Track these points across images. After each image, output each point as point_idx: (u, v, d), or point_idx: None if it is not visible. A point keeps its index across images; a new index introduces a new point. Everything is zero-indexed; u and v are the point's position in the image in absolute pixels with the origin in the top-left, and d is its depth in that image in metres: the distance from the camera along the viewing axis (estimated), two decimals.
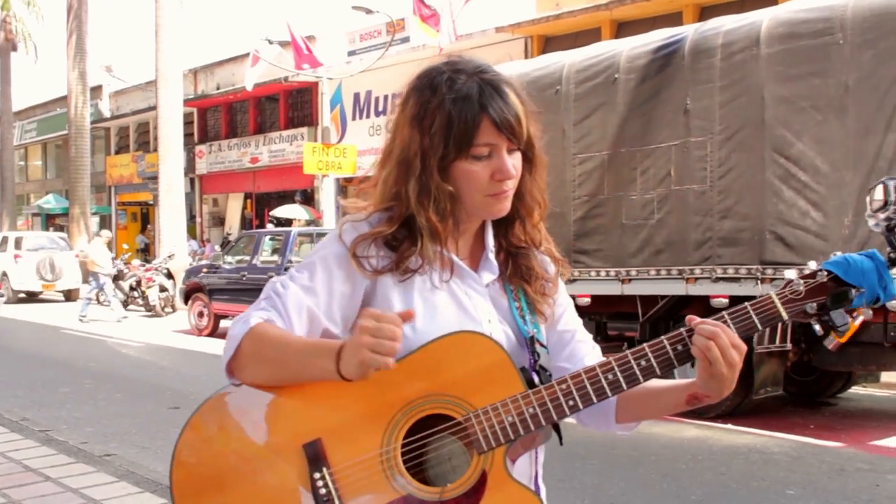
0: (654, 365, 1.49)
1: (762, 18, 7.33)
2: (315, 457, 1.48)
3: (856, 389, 9.01)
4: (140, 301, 19.04)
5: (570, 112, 8.54)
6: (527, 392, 1.50)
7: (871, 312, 1.46)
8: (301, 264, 1.62)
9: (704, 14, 16.83)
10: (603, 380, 1.49)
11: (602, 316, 8.71)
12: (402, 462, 1.48)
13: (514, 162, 1.58)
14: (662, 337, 1.49)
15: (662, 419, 7.54)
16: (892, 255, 1.49)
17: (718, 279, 7.40)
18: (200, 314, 14.94)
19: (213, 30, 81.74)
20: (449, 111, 1.54)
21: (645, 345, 1.50)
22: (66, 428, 7.02)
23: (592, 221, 8.38)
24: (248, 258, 14.47)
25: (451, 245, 1.63)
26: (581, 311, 8.71)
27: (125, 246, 23.29)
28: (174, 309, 18.53)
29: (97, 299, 18.68)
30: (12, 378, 10.10)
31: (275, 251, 14.31)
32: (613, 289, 8.21)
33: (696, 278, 7.57)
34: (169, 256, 19.87)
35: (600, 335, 8.66)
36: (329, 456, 1.48)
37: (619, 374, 1.49)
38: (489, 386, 1.49)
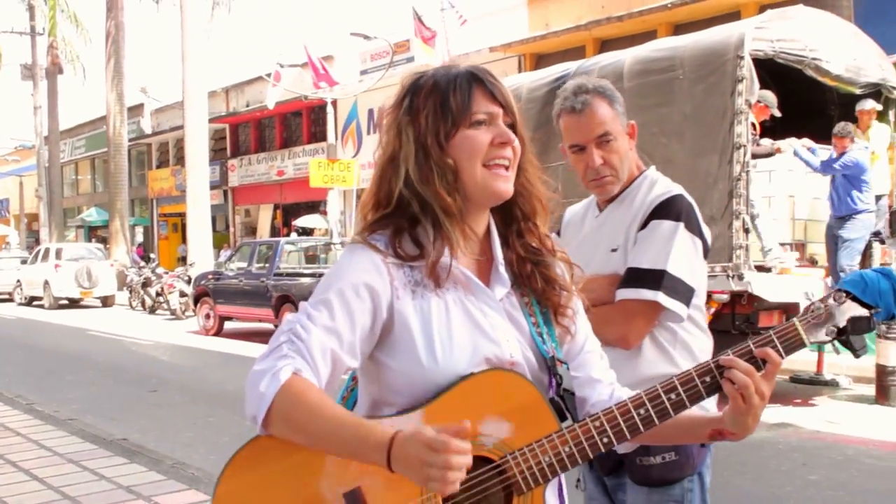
0: (685, 399, 1.49)
1: (626, 57, 8.65)
2: None
3: None
4: (165, 306, 20.82)
5: None
6: (562, 430, 1.47)
7: (884, 328, 1.94)
8: (317, 299, 1.52)
9: (677, 31, 17.96)
10: (636, 416, 1.48)
11: None
12: None
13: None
14: (690, 369, 1.50)
15: None
16: None
17: None
18: (207, 316, 16.55)
19: (243, 50, 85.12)
20: (443, 91, 1.53)
21: (674, 378, 1.50)
22: (54, 404, 8.57)
23: None
24: (244, 265, 16.07)
25: (458, 256, 1.55)
26: None
27: (152, 255, 25.14)
28: (194, 312, 20.22)
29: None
30: (28, 368, 11.81)
31: (266, 259, 15.74)
32: None
33: None
34: (190, 264, 21.63)
35: None
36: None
37: (650, 409, 1.49)
38: (523, 425, 1.47)
